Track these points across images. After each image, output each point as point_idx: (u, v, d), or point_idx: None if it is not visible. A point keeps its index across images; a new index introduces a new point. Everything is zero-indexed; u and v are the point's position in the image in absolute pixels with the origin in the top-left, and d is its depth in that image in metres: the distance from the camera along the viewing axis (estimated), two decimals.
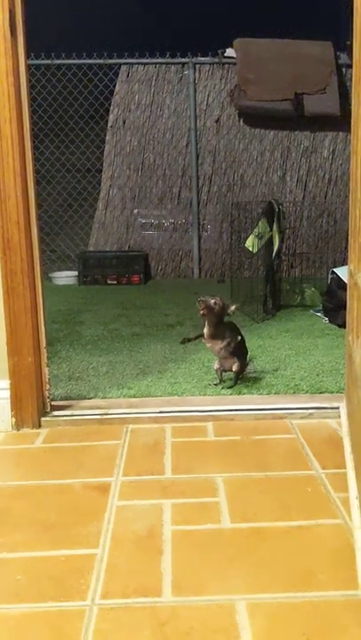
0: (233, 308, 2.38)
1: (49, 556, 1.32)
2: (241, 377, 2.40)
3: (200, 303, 2.31)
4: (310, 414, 2.06)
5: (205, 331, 2.36)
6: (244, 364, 2.39)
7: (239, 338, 2.37)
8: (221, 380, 2.37)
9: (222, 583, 1.21)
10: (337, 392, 2.21)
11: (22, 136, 1.92)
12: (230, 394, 2.28)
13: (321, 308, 3.70)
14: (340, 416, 2.01)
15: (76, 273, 5.16)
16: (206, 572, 1.25)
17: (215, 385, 2.35)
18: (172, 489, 1.60)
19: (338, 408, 2.05)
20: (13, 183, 1.91)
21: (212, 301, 2.32)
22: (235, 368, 2.35)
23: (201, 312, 2.32)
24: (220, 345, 2.35)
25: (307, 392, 2.26)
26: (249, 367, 2.45)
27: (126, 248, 5.32)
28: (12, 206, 1.93)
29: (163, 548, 1.33)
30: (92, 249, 5.38)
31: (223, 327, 2.36)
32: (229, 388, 2.33)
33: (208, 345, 2.39)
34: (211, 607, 1.14)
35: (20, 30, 1.88)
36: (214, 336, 2.35)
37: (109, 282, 5.05)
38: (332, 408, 2.07)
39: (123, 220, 5.36)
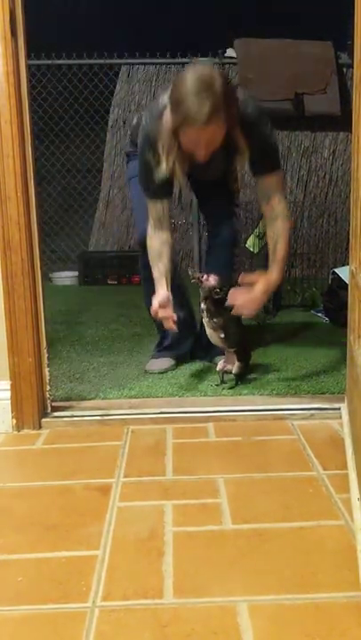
0: (217, 288, 2.32)
1: (50, 557, 1.32)
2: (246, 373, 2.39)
3: (193, 273, 2.36)
4: (311, 415, 2.06)
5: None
6: (245, 366, 2.38)
7: (231, 326, 2.33)
8: (223, 381, 2.36)
9: (224, 585, 1.21)
10: (338, 393, 2.20)
11: (23, 136, 1.91)
12: (231, 394, 2.28)
13: (322, 308, 3.70)
14: (341, 417, 2.00)
15: (76, 273, 5.16)
16: (208, 573, 1.25)
17: (216, 385, 2.35)
18: (173, 490, 1.60)
19: (339, 409, 2.05)
20: (14, 183, 1.91)
21: (204, 277, 2.33)
22: (235, 370, 2.35)
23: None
24: (207, 320, 2.34)
25: (308, 393, 2.25)
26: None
27: (127, 248, 5.32)
28: (12, 206, 1.92)
29: (164, 549, 1.33)
30: (92, 249, 5.38)
31: (222, 311, 2.31)
32: (230, 388, 2.32)
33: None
34: (212, 609, 1.14)
35: (21, 30, 1.88)
36: (207, 310, 2.34)
37: (110, 282, 5.05)
38: (333, 409, 2.06)
39: (123, 221, 5.36)
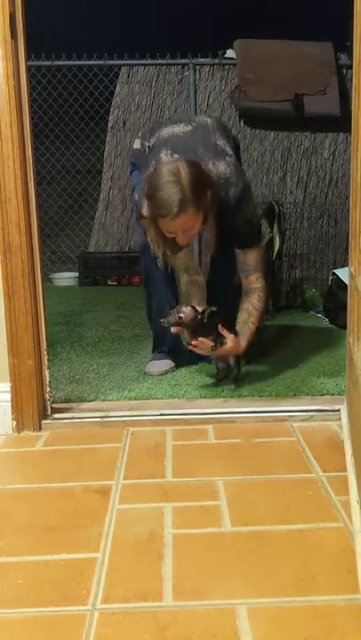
0: (198, 314, 2.25)
1: (50, 559, 1.32)
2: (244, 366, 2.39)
3: (164, 322, 2.25)
4: (311, 417, 2.06)
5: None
6: (242, 358, 2.38)
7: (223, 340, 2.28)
8: (218, 371, 2.36)
9: (223, 587, 1.21)
10: (338, 394, 2.20)
11: (23, 138, 1.92)
12: (231, 396, 2.28)
13: (322, 309, 3.70)
14: (340, 418, 2.00)
15: (76, 274, 5.16)
16: (207, 576, 1.25)
17: (213, 376, 2.35)
18: (172, 492, 1.60)
19: (339, 410, 2.05)
20: (14, 185, 1.91)
21: (180, 316, 2.23)
22: (232, 361, 2.34)
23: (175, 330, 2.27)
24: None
25: (307, 394, 2.25)
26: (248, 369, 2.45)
27: (127, 249, 5.32)
28: (12, 208, 1.93)
29: (163, 551, 1.33)
30: (92, 250, 5.38)
31: (214, 331, 2.26)
32: (235, 381, 2.32)
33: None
34: (211, 612, 1.14)
35: (21, 33, 1.88)
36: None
37: (110, 283, 5.05)
38: (332, 410, 2.06)
39: (123, 222, 5.36)
